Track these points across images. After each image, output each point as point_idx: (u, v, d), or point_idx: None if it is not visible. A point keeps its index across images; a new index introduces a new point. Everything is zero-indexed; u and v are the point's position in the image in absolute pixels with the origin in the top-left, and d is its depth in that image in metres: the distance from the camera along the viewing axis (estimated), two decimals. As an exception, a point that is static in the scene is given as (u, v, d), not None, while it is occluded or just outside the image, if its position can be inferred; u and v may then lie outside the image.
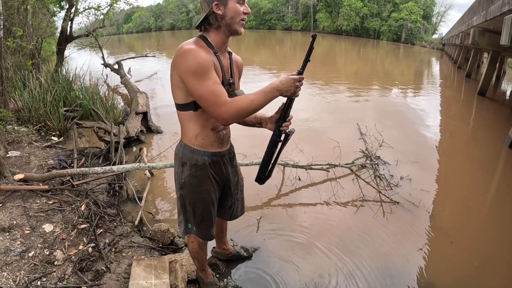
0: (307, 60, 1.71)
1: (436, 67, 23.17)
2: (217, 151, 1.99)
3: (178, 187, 2.03)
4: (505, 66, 17.90)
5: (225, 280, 2.69)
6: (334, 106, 8.71)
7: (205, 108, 1.73)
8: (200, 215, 2.06)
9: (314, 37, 1.72)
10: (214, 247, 2.90)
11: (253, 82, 10.43)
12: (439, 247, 3.62)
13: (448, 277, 3.23)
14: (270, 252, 3.11)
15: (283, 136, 1.92)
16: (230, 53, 1.97)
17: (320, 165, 4.47)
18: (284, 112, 1.87)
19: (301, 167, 4.38)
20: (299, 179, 4.38)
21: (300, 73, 1.74)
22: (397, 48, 36.89)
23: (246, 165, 3.94)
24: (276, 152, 1.96)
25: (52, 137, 5.01)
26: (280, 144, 1.92)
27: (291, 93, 1.74)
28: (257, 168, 2.04)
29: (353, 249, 3.34)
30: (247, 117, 1.86)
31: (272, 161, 1.98)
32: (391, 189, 4.45)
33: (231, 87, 1.88)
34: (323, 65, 18.41)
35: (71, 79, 7.34)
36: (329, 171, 4.56)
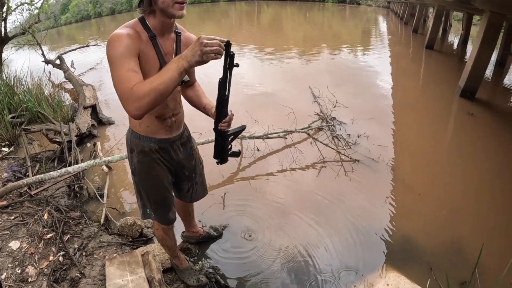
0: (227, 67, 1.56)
1: (383, 24, 23.39)
2: (165, 138, 1.96)
3: (131, 173, 2.04)
4: (451, 19, 18.24)
5: (200, 262, 2.74)
6: (285, 72, 8.74)
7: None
8: (155, 201, 2.08)
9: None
10: (183, 232, 2.93)
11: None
12: (407, 200, 3.83)
13: (420, 229, 3.44)
14: (240, 227, 3.20)
15: (233, 133, 1.89)
16: (178, 33, 1.82)
17: (277, 133, 4.56)
18: (217, 114, 1.78)
19: (258, 137, 4.45)
20: (258, 150, 4.48)
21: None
22: (343, 9, 36.87)
23: (203, 143, 3.95)
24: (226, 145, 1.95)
25: (2, 148, 4.81)
26: (224, 141, 1.90)
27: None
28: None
29: (320, 211, 3.47)
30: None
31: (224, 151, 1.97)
32: (350, 148, 4.61)
33: None
34: (270, 33, 18.26)
35: (12, 83, 6.95)
36: (286, 138, 4.67)
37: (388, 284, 2.88)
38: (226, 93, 1.65)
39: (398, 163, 4.41)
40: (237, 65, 1.55)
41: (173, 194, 2.24)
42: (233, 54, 1.49)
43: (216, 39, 1.42)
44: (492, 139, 5.51)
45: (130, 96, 1.44)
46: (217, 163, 1.98)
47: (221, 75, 1.56)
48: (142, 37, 1.64)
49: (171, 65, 1.45)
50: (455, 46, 13.41)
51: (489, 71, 8.87)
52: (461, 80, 7.06)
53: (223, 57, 1.47)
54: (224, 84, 1.61)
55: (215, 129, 1.83)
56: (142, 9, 1.66)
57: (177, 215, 2.34)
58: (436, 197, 3.94)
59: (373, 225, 3.39)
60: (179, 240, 2.88)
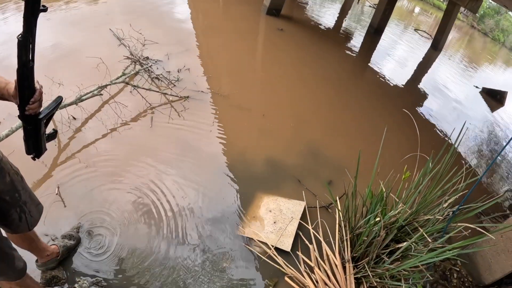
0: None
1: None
2: None
3: None
4: None
5: (76, 286, 2.22)
6: (78, 18, 7.47)
7: None
8: None
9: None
10: (36, 261, 2.22)
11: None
12: (255, 124, 3.84)
13: (278, 147, 3.55)
14: (95, 217, 2.70)
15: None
16: None
17: (91, 92, 3.87)
18: (20, 92, 1.21)
19: (71, 104, 3.69)
20: (74, 118, 3.73)
21: None
22: None
23: (7, 135, 2.94)
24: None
25: None
26: (38, 129, 1.34)
27: None
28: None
29: (164, 158, 3.29)
30: None
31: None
32: (175, 85, 4.31)
33: None
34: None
35: None
36: (102, 94, 4.02)
37: (270, 210, 2.87)
38: (30, 58, 1.11)
39: (228, 89, 4.31)
40: (45, 9, 1.01)
41: (3, 236, 1.57)
42: None
43: None
44: (303, 46, 5.90)
45: None
46: (33, 158, 1.44)
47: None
48: None
49: None
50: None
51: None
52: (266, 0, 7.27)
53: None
54: (25, 44, 1.05)
55: (22, 116, 1.25)
56: None
57: (20, 250, 1.74)
58: (279, 113, 4.05)
59: (230, 158, 3.31)
60: (37, 276, 2.23)
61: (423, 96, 6.97)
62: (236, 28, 6.63)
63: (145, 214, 2.75)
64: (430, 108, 6.32)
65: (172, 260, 2.49)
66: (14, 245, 1.66)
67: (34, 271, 2.20)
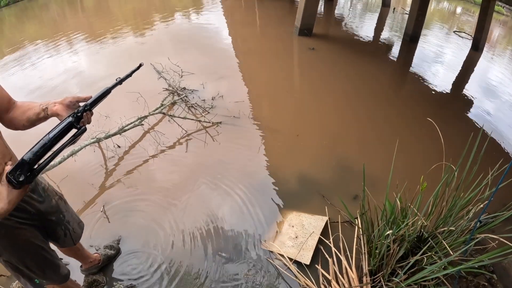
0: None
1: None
2: None
3: None
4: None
5: None
6: (122, 54, 7.98)
7: None
8: (38, 268, 1.79)
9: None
10: (81, 266, 2.60)
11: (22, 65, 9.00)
12: (287, 143, 4.00)
13: (307, 165, 3.73)
14: (134, 231, 3.03)
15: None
16: None
17: (132, 123, 4.29)
18: (96, 98, 1.53)
19: (115, 134, 4.13)
20: (119, 147, 4.17)
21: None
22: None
23: (60, 163, 3.44)
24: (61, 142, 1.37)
25: None
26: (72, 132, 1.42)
27: None
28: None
29: (197, 179, 3.55)
30: None
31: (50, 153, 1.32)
32: (208, 113, 4.62)
33: None
34: (97, 17, 16.92)
35: None
36: (143, 124, 4.44)
37: (292, 226, 3.03)
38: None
39: (259, 113, 4.54)
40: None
41: (51, 248, 1.91)
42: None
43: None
44: (335, 65, 6.03)
45: None
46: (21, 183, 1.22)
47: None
48: None
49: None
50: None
51: (320, 7, 9.55)
52: (297, 20, 7.55)
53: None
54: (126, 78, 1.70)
55: (81, 112, 1.44)
56: None
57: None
58: (313, 132, 4.20)
59: (260, 177, 3.52)
60: (81, 279, 2.59)
61: (467, 102, 6.73)
62: (269, 50, 6.90)
63: (177, 228, 3.04)
64: (477, 113, 6.11)
65: (195, 267, 2.73)
66: (60, 255, 2.03)
67: (79, 275, 2.59)
